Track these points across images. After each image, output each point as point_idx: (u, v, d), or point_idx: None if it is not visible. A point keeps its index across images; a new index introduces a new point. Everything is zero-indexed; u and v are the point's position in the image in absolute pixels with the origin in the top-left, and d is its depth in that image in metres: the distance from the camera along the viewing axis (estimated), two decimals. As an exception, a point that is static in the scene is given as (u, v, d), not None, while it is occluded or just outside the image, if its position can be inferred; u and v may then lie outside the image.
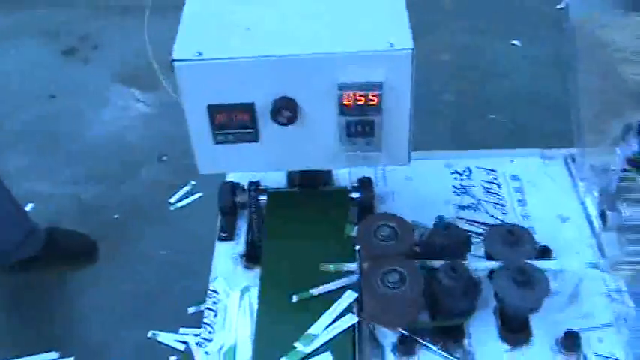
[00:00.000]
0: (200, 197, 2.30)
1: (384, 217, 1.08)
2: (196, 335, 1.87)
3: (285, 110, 1.00)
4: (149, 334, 1.88)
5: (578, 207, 1.19)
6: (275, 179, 1.24)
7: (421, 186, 1.25)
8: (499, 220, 1.18)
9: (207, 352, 1.00)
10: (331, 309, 1.01)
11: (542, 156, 1.30)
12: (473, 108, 2.54)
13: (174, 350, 1.85)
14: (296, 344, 0.96)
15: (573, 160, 1.26)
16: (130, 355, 1.84)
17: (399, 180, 1.26)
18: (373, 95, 1.00)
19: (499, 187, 1.25)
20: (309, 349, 0.96)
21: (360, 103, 1.00)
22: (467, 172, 1.28)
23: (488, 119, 2.46)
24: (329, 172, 1.24)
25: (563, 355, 0.99)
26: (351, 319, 1.00)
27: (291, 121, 1.02)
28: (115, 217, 2.24)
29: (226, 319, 1.04)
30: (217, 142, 1.05)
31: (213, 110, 1.02)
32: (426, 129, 2.37)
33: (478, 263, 1.03)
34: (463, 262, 1.04)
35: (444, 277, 0.98)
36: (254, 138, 1.05)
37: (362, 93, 0.99)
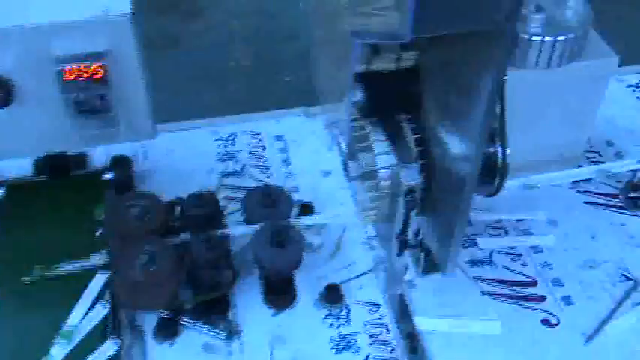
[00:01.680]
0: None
1: (131, 197, 1.01)
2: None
3: (-2, 91, 0.90)
4: None
5: (339, 160, 1.21)
6: (19, 168, 1.12)
7: (184, 158, 1.20)
8: (263, 183, 1.16)
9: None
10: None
11: (306, 114, 1.30)
12: (268, 71, 2.53)
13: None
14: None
15: (334, 116, 1.28)
16: None
17: (160, 154, 1.20)
18: (97, 67, 0.92)
19: (264, 149, 1.23)
20: None
21: (83, 77, 0.92)
22: (232, 138, 1.24)
23: (284, 81, 2.46)
24: (81, 154, 1.14)
25: (327, 309, 1.00)
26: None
27: (6, 102, 0.91)
28: None
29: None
30: None
31: None
32: (221, 94, 2.34)
33: (235, 229, 1.01)
34: (223, 229, 1.01)
35: (196, 249, 0.95)
36: (-30, 126, 0.93)
37: (84, 66, 0.91)
